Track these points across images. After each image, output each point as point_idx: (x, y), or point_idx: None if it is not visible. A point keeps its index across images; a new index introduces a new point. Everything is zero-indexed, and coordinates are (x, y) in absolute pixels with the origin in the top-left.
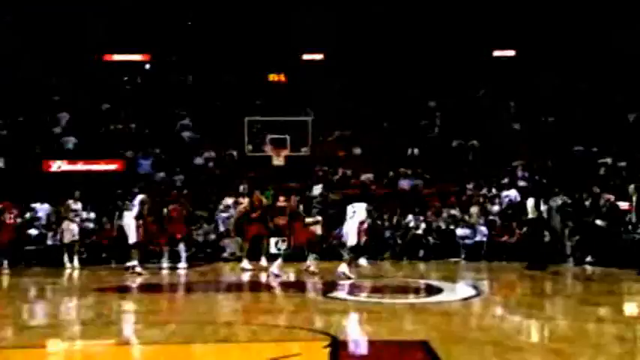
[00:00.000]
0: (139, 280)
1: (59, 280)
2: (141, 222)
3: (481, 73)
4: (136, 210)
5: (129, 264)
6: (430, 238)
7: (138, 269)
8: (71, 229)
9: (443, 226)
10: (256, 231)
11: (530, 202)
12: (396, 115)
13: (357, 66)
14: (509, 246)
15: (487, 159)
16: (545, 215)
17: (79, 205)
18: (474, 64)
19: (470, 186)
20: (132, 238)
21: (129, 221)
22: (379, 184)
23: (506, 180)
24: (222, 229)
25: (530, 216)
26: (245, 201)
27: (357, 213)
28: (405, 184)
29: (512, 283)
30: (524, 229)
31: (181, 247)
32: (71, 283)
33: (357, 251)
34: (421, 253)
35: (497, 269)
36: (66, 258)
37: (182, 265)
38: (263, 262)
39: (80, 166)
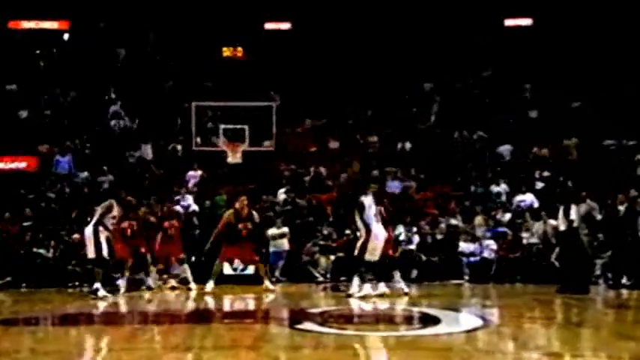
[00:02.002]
0: (57, 308)
1: None
2: (106, 233)
3: (489, 47)
4: (95, 218)
5: (93, 287)
6: (425, 255)
7: (101, 293)
8: None
9: (441, 238)
10: (248, 254)
11: (561, 211)
12: (382, 101)
13: (332, 38)
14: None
15: (496, 154)
16: (575, 225)
17: None
18: (480, 37)
19: (475, 189)
20: (90, 252)
21: (88, 233)
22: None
23: (520, 181)
24: None
25: (561, 227)
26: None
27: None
28: (393, 186)
29: (527, 311)
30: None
31: (185, 267)
32: None
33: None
34: (414, 273)
35: (509, 293)
36: None
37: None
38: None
39: None
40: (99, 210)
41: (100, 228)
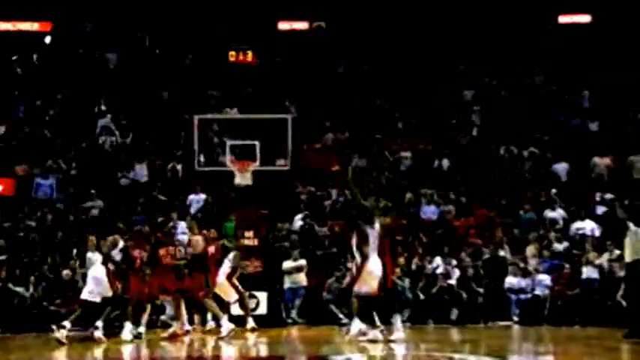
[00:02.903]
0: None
1: None
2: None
3: (541, 48)
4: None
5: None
6: (466, 292)
7: (98, 333)
8: None
9: (485, 272)
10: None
11: (628, 240)
12: (415, 111)
13: (357, 38)
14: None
15: (550, 174)
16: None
17: None
18: (531, 36)
19: (525, 214)
20: (106, 291)
21: (97, 273)
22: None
23: (579, 205)
24: None
25: (628, 260)
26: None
27: None
28: (429, 211)
29: (587, 359)
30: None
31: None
32: None
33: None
34: (454, 313)
35: (566, 337)
36: None
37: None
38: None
39: None
40: (104, 248)
41: (107, 265)
